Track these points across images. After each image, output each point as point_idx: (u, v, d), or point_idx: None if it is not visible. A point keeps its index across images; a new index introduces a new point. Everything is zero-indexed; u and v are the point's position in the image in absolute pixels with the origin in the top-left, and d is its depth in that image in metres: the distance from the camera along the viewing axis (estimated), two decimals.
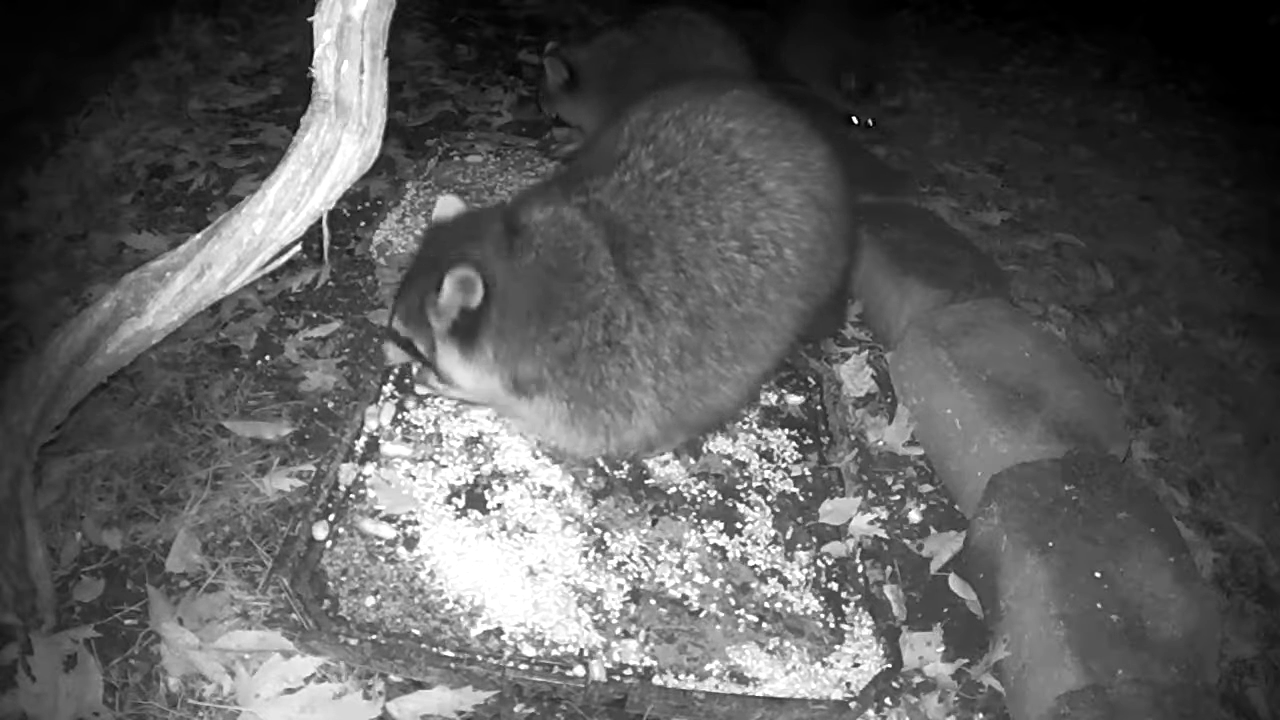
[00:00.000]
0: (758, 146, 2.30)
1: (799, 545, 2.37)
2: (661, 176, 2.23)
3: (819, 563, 2.33)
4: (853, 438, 2.73)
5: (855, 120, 4.60)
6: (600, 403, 2.22)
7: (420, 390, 2.44)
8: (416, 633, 2.01)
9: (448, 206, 2.33)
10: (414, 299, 2.20)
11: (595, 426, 2.27)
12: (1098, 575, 2.10)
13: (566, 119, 3.97)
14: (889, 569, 2.36)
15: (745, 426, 2.70)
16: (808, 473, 2.59)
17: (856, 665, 2.09)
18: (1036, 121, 5.13)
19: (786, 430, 2.72)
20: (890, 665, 2.06)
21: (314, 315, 2.93)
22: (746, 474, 2.56)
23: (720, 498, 2.47)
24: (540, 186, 2.39)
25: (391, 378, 2.64)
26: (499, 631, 2.05)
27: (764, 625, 2.16)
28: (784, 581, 2.27)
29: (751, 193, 2.26)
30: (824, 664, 2.09)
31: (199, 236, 2.01)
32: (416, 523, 2.26)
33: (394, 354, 2.34)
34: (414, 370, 2.40)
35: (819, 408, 2.80)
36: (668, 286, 2.18)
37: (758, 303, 2.26)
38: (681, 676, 2.01)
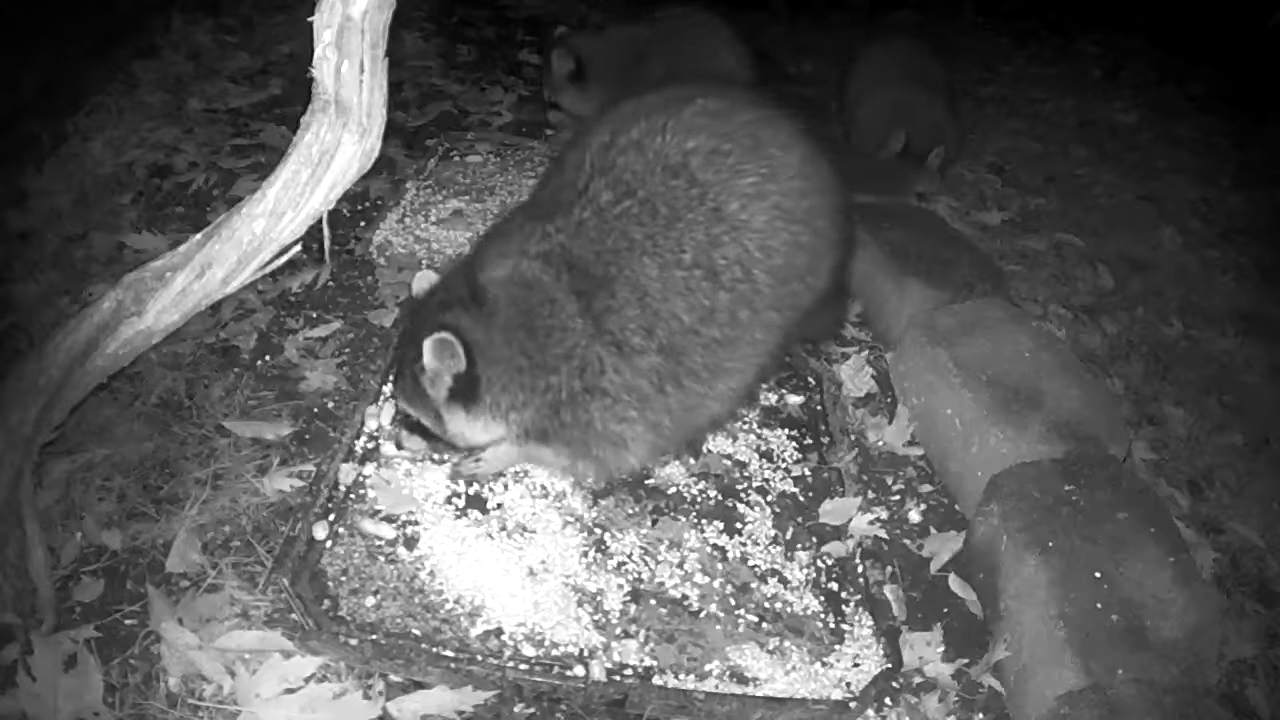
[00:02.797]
0: (719, 166, 2.22)
1: (799, 545, 2.37)
2: (620, 208, 2.16)
3: (819, 563, 2.33)
4: (853, 438, 2.73)
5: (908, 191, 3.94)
6: (593, 442, 2.20)
7: (463, 470, 2.40)
8: (416, 633, 2.01)
9: (423, 280, 2.32)
10: (407, 377, 2.21)
11: (600, 463, 2.27)
12: (1098, 575, 2.10)
13: (569, 109, 3.96)
14: (889, 569, 2.36)
15: (745, 426, 2.70)
16: (808, 473, 2.59)
17: (856, 665, 2.09)
18: (1036, 121, 5.13)
19: (786, 430, 2.72)
20: (890, 665, 2.06)
21: (314, 315, 2.93)
22: (746, 474, 2.56)
23: (720, 498, 2.47)
24: (496, 234, 2.31)
25: (391, 377, 2.64)
26: (499, 631, 2.05)
27: (764, 625, 2.16)
28: (784, 581, 2.27)
29: (712, 218, 2.19)
30: (824, 664, 2.09)
31: (199, 236, 2.01)
32: (416, 523, 2.26)
33: (412, 442, 2.32)
34: (449, 460, 2.39)
35: (819, 408, 2.80)
36: (635, 324, 2.13)
37: (729, 325, 2.21)
38: (681, 676, 2.01)
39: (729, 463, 2.58)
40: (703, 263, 2.17)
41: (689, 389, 2.22)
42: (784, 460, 2.63)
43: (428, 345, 2.10)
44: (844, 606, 2.23)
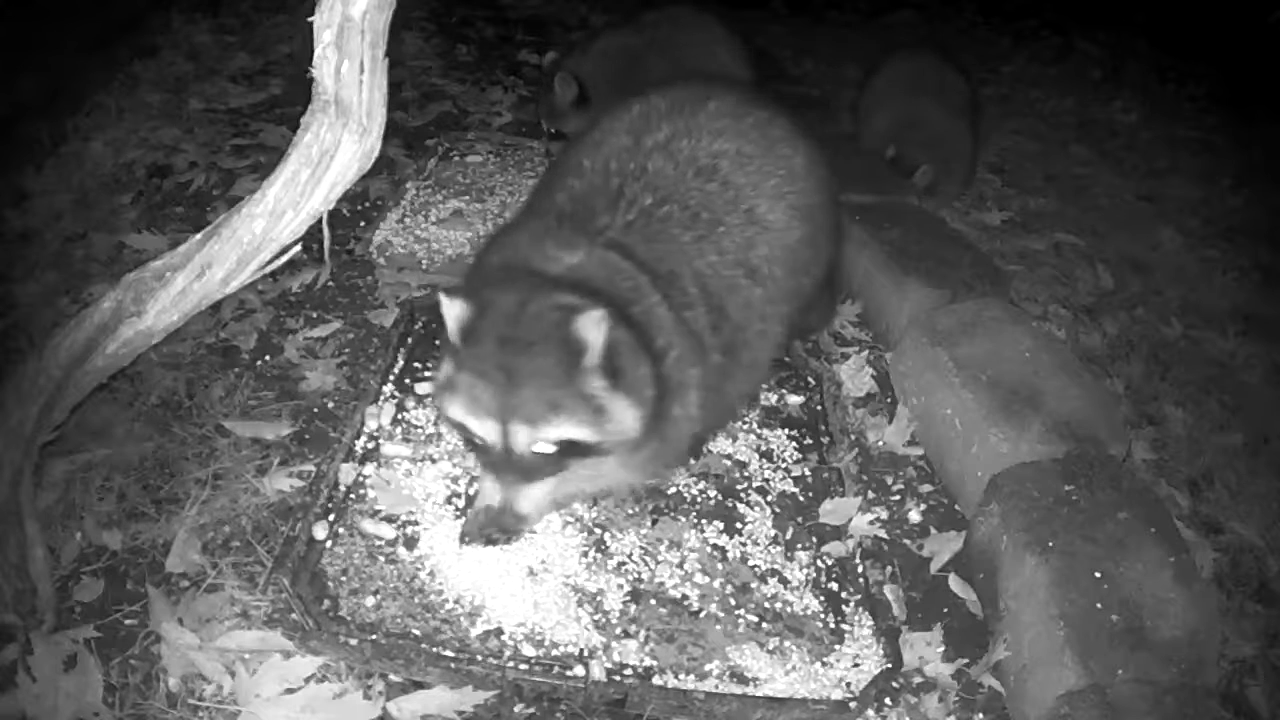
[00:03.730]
0: (747, 168, 2.27)
1: (799, 545, 2.37)
2: (663, 212, 2.15)
3: (819, 563, 2.33)
4: (853, 438, 2.73)
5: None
6: (667, 438, 2.11)
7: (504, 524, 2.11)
8: (416, 633, 2.01)
9: (456, 308, 1.88)
10: (546, 384, 1.82)
11: (666, 463, 2.21)
12: (1098, 575, 2.09)
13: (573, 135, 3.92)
14: (889, 569, 2.36)
15: (745, 426, 2.70)
16: (808, 473, 2.59)
17: (856, 665, 2.09)
18: (1036, 121, 5.13)
19: (786, 430, 2.72)
20: (890, 665, 2.06)
21: (314, 315, 2.93)
22: (746, 474, 2.56)
23: (720, 498, 2.47)
24: (532, 229, 2.15)
25: (391, 377, 2.64)
26: (499, 631, 2.05)
27: (764, 625, 2.16)
28: (784, 581, 2.27)
29: (747, 220, 2.24)
30: (824, 664, 2.09)
31: (199, 236, 2.01)
32: (416, 523, 2.26)
33: (538, 490, 1.99)
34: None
35: (819, 408, 2.80)
36: (704, 321, 2.14)
37: (761, 319, 2.27)
38: (681, 676, 2.01)
39: (729, 463, 2.58)
40: (742, 263, 2.22)
41: (737, 384, 2.25)
42: (784, 460, 2.63)
43: (588, 326, 1.78)
44: (844, 606, 2.23)
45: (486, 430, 1.89)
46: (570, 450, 1.92)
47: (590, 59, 3.83)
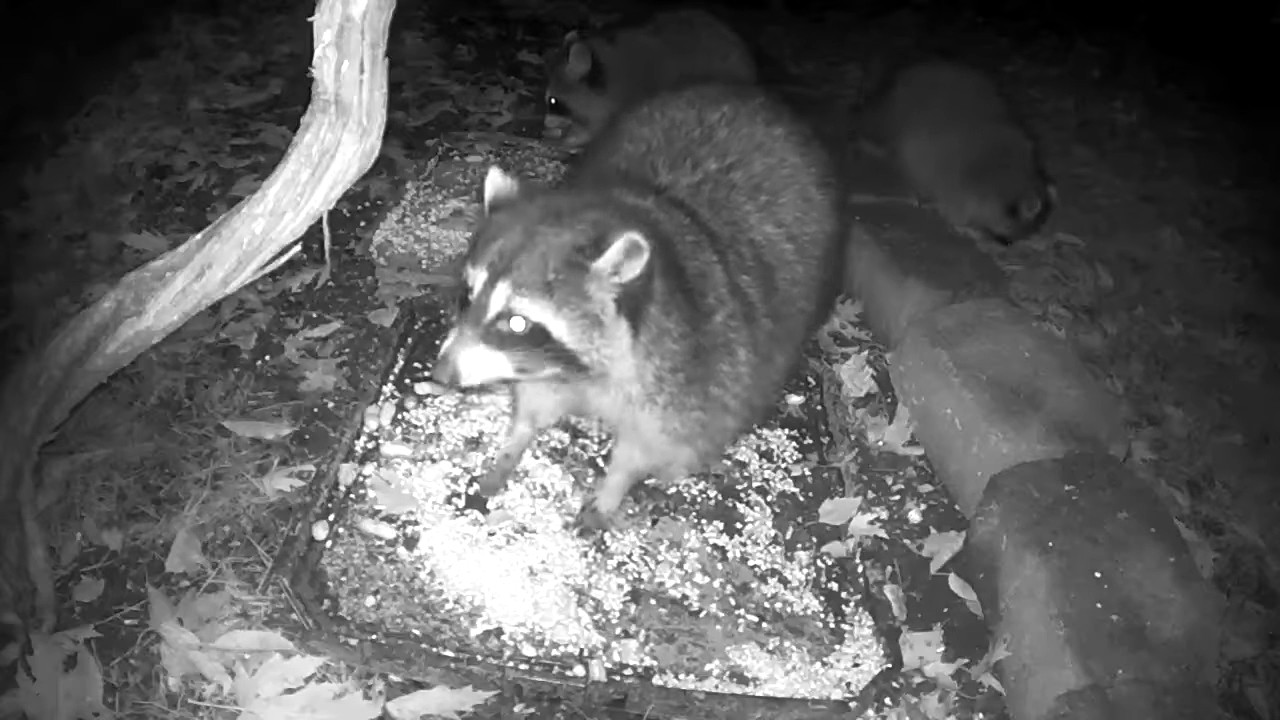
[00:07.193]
0: (800, 153, 2.40)
1: (799, 545, 2.37)
2: (729, 178, 2.26)
3: (819, 563, 2.33)
4: (853, 438, 2.73)
5: (1004, 240, 3.81)
6: (711, 399, 2.07)
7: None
8: (416, 633, 2.01)
9: (497, 174, 1.98)
10: (553, 262, 1.78)
11: (713, 440, 2.18)
12: (1098, 575, 2.10)
13: (576, 111, 3.89)
14: (889, 569, 2.36)
15: None
16: (808, 473, 2.59)
17: (856, 665, 2.09)
18: (1037, 121, 5.12)
19: (786, 430, 2.72)
20: (890, 665, 2.06)
21: (314, 315, 2.93)
22: (746, 474, 2.56)
23: (720, 498, 2.47)
24: (596, 179, 2.19)
25: (391, 377, 2.64)
26: (499, 631, 2.05)
27: (764, 625, 2.16)
28: (784, 581, 2.27)
29: (800, 198, 2.35)
30: (824, 664, 2.09)
31: (199, 236, 2.01)
32: (416, 523, 2.26)
33: (475, 365, 1.81)
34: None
35: (819, 408, 2.80)
36: (755, 288, 2.18)
37: (800, 298, 2.35)
38: (681, 676, 2.01)
39: (729, 463, 2.58)
40: (795, 237, 2.31)
41: (775, 361, 2.29)
42: (784, 460, 2.63)
43: (623, 244, 1.73)
44: (844, 606, 2.23)
45: (476, 278, 1.82)
46: (540, 340, 1.80)
47: (615, 47, 3.85)
